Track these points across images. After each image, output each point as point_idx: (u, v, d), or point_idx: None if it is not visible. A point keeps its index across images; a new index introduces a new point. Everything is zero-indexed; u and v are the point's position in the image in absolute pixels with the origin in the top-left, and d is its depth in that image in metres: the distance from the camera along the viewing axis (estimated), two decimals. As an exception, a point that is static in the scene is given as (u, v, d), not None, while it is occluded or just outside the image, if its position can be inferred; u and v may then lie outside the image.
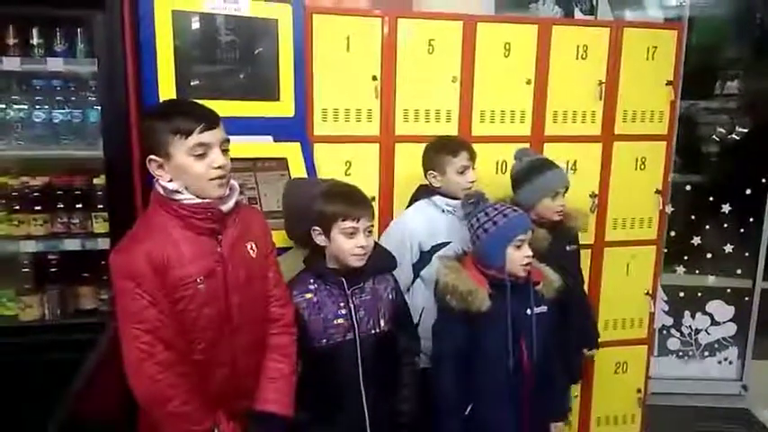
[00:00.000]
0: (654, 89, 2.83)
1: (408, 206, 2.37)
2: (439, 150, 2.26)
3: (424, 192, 2.32)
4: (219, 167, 1.50)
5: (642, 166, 2.89)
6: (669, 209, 3.46)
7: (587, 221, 2.57)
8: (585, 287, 2.81)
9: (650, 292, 3.00)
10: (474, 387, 1.95)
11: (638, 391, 3.09)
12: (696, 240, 3.64)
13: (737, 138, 3.67)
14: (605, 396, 3.05)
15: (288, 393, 1.68)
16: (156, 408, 1.48)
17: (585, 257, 2.85)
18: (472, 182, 2.24)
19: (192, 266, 1.50)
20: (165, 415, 1.48)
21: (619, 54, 2.76)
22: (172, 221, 1.51)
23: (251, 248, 1.64)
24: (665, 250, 3.48)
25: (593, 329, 2.66)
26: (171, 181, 1.50)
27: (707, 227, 3.64)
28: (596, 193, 2.84)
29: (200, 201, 1.51)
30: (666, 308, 3.68)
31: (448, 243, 2.21)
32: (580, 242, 2.57)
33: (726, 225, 3.63)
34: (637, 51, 2.78)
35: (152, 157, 1.50)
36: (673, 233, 3.56)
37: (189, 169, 1.48)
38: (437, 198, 2.25)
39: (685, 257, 3.66)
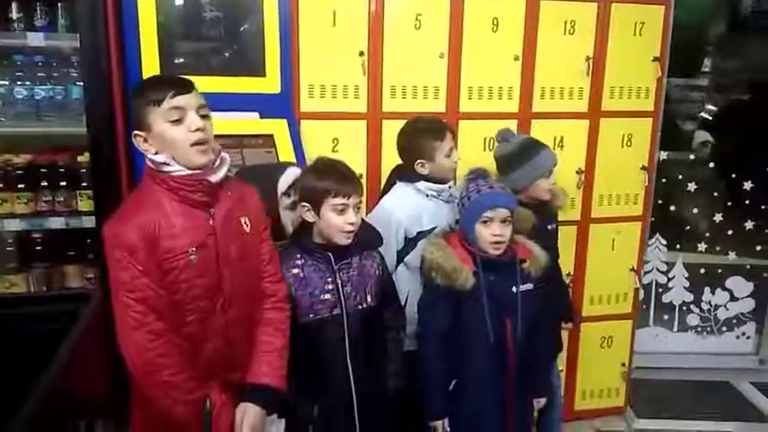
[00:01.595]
0: (641, 65, 2.83)
1: (384, 188, 2.33)
2: (424, 137, 2.17)
3: (403, 174, 2.24)
4: (198, 130, 1.50)
5: (629, 143, 2.90)
6: (693, 186, 3.54)
7: (568, 200, 2.57)
8: (572, 263, 2.88)
9: (635, 267, 3.04)
10: (458, 363, 1.96)
11: (623, 365, 3.15)
12: (717, 217, 3.66)
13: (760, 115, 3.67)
14: (590, 370, 3.10)
15: (281, 367, 1.69)
16: (147, 377, 1.49)
17: (572, 233, 2.88)
18: (456, 161, 2.22)
19: (183, 238, 1.51)
20: (156, 384, 1.49)
21: (606, 30, 2.75)
22: (164, 194, 1.52)
23: (245, 223, 1.64)
24: (687, 228, 3.56)
25: (570, 303, 2.71)
26: (157, 153, 1.50)
27: (728, 204, 3.67)
28: (583, 169, 2.86)
29: (189, 172, 1.51)
30: (687, 284, 3.73)
31: (433, 229, 2.17)
32: (566, 219, 2.59)
33: (747, 202, 3.66)
34: (624, 27, 2.77)
35: (135, 132, 1.51)
36: (695, 210, 3.61)
37: (168, 136, 1.48)
38: (421, 184, 2.19)
39: (707, 234, 3.69)
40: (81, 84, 2.16)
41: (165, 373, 1.48)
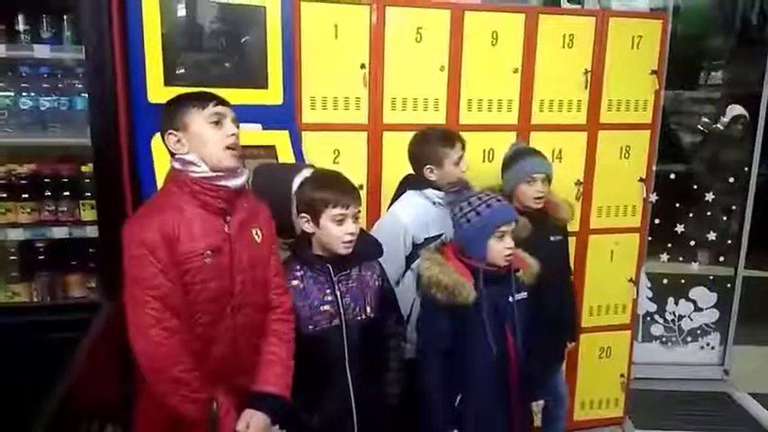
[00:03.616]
0: (639, 78, 2.87)
1: (395, 196, 2.35)
2: (435, 144, 2.21)
3: (413, 183, 2.28)
4: (233, 134, 1.61)
5: (626, 155, 2.93)
6: (653, 197, 3.52)
7: (573, 213, 2.58)
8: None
9: (633, 278, 3.06)
10: (462, 378, 1.96)
11: (622, 375, 3.16)
12: (680, 228, 3.69)
13: (721, 127, 3.73)
14: (589, 380, 3.11)
15: (286, 376, 1.73)
16: (159, 373, 1.52)
17: (571, 245, 2.88)
18: (464, 171, 2.25)
19: (201, 241, 1.58)
20: (167, 380, 1.52)
21: (604, 43, 2.79)
22: (184, 198, 1.59)
23: (257, 234, 1.71)
24: (650, 238, 3.53)
25: (574, 322, 2.71)
26: (188, 153, 1.58)
27: (690, 215, 3.69)
28: (581, 181, 2.88)
29: (213, 174, 1.59)
30: (650, 294, 3.74)
31: (440, 236, 2.19)
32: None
33: (709, 213, 3.69)
34: (622, 40, 2.81)
35: (170, 131, 1.59)
36: (657, 221, 3.61)
37: (205, 136, 1.58)
38: (428, 191, 2.23)
39: (669, 245, 3.70)
40: (86, 95, 2.17)
41: (177, 370, 1.52)
